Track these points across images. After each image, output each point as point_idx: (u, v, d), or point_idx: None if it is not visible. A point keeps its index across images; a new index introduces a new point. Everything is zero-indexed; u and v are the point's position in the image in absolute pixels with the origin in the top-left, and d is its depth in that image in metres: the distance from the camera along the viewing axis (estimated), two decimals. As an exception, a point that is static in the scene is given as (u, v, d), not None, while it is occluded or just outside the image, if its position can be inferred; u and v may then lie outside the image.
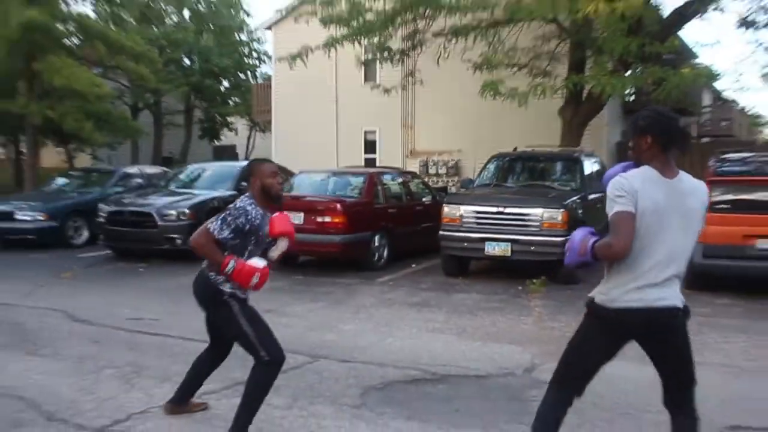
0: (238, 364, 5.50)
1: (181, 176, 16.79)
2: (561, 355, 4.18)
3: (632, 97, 23.79)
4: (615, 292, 3.84)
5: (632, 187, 3.71)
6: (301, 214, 12.06)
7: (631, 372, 5.61)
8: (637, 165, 3.87)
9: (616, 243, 3.69)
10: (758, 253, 10.19)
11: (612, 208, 3.73)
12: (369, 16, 14.95)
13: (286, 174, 15.81)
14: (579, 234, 3.93)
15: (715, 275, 10.53)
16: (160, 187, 16.26)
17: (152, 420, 5.43)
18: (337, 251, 12.21)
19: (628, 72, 14.59)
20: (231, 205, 4.93)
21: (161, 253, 13.68)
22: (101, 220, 14.20)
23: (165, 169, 20.72)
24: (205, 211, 13.36)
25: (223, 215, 4.84)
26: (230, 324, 4.95)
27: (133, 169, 19.05)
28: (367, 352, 7.43)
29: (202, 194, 14.67)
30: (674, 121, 3.87)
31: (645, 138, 3.80)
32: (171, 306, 9.65)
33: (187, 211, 13.63)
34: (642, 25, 13.28)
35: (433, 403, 5.94)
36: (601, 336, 3.99)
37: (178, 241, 13.05)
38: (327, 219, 12.00)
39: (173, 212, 13.64)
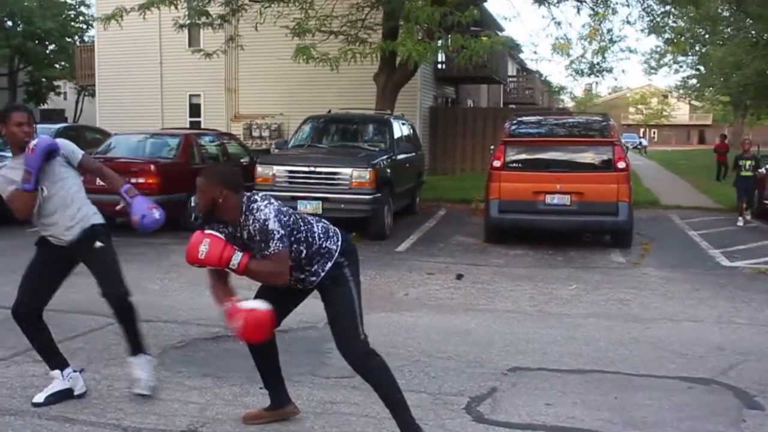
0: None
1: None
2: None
3: (442, 65, 24.28)
4: None
5: None
6: (117, 177, 11.43)
7: (428, 321, 5.55)
8: None
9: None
10: (546, 208, 10.55)
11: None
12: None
13: (103, 135, 14.92)
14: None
15: (508, 228, 10.86)
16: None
17: None
18: (151, 212, 11.58)
19: (439, 41, 14.68)
20: None
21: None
22: None
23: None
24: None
25: None
26: None
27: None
28: (171, 311, 7.04)
29: None
30: None
31: None
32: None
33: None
34: (445, -3, 13.33)
35: (232, 359, 5.65)
36: None
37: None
38: (141, 180, 11.37)
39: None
